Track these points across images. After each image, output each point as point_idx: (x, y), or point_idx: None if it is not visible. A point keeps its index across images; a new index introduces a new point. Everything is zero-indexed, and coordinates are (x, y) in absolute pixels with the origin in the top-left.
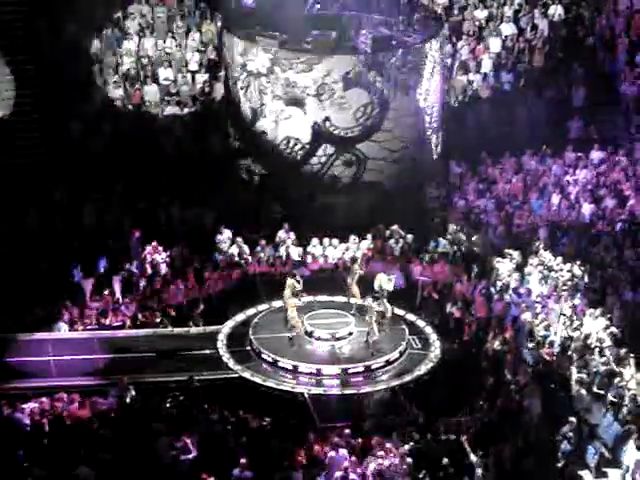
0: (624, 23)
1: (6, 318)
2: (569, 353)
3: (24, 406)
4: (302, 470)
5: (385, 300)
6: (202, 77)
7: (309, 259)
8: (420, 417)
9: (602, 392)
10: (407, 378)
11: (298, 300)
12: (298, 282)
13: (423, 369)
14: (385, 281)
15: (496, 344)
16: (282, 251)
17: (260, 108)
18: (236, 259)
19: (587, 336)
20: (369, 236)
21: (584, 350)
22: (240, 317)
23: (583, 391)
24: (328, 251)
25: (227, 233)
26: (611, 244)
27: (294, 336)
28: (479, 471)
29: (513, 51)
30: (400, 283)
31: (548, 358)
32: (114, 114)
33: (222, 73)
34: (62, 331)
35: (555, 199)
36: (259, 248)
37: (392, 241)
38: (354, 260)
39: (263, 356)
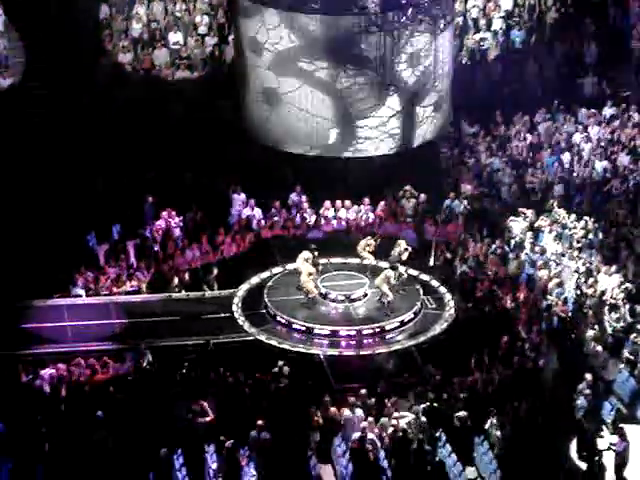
0: None
1: (22, 285)
2: (584, 310)
3: (41, 372)
4: (319, 431)
5: (398, 265)
6: (212, 40)
7: (322, 221)
8: (435, 376)
9: (618, 348)
10: (422, 338)
11: (314, 269)
12: (313, 252)
13: (438, 329)
14: (403, 249)
15: (510, 302)
16: (295, 214)
17: None
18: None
19: (602, 293)
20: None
21: (599, 307)
22: (254, 280)
23: (599, 348)
24: (341, 213)
25: (242, 196)
26: (625, 200)
27: (309, 299)
28: (495, 430)
29: (524, 8)
30: (413, 243)
31: (563, 315)
32: (124, 79)
33: (232, 36)
34: (77, 296)
35: (568, 156)
36: (273, 211)
37: (405, 201)
38: (373, 235)
39: (278, 318)
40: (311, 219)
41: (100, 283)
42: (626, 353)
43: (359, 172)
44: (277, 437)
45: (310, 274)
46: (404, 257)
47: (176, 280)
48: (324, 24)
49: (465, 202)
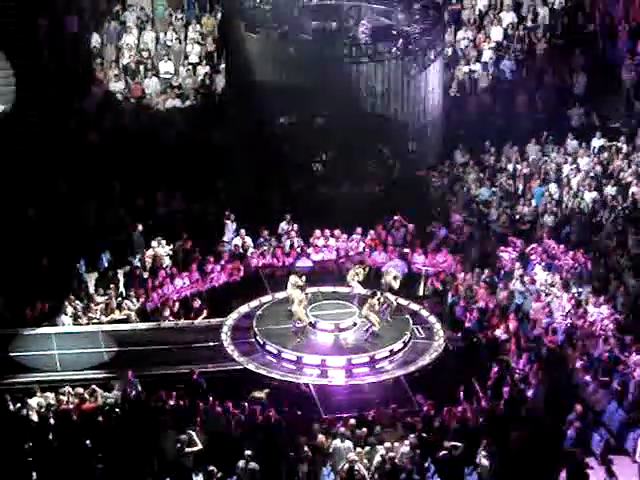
0: (624, 10)
1: (10, 312)
2: (574, 341)
3: (29, 401)
4: (307, 461)
5: (388, 294)
6: (203, 69)
7: (311, 250)
8: (424, 407)
9: (607, 379)
10: (411, 368)
11: (303, 294)
12: (300, 277)
13: (427, 359)
14: (392, 278)
15: (500, 332)
16: (285, 243)
17: None
18: (240, 251)
19: (591, 323)
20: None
21: (588, 337)
22: (244, 309)
23: (588, 378)
24: (330, 242)
25: (234, 224)
26: (614, 231)
27: (299, 328)
28: (484, 460)
29: (514, 39)
30: (403, 271)
31: (552, 345)
32: (115, 108)
33: (223, 65)
34: (65, 325)
35: (557, 187)
36: (262, 240)
37: (394, 231)
38: (361, 263)
39: (267, 347)
40: (300, 248)
41: (89, 311)
42: (615, 384)
43: (349, 201)
44: (265, 467)
45: (301, 301)
46: (395, 285)
47: (166, 310)
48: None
49: (455, 232)
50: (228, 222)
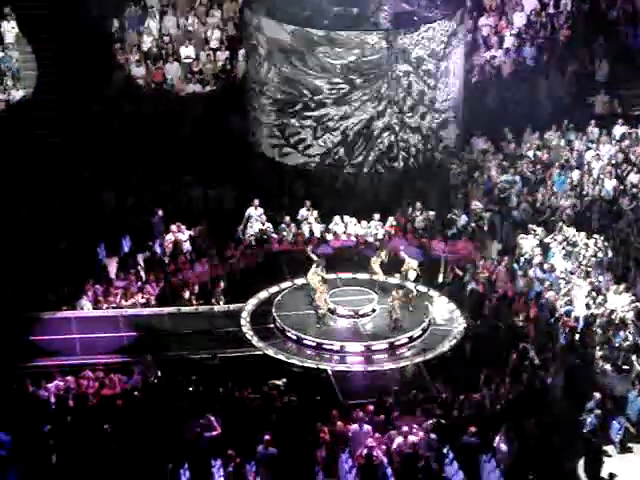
0: None
1: (31, 296)
2: (593, 329)
3: (49, 384)
4: (326, 447)
5: (407, 283)
6: (223, 55)
7: (331, 237)
8: (443, 393)
9: (626, 367)
10: (430, 355)
11: (323, 282)
12: (321, 264)
13: (446, 345)
14: (412, 270)
15: (519, 320)
16: (305, 229)
17: None
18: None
19: (611, 312)
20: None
21: (608, 326)
22: (263, 295)
23: (608, 366)
24: (350, 229)
25: (260, 210)
26: (634, 219)
27: (320, 314)
28: (503, 447)
29: (536, 26)
30: (419, 259)
31: (571, 329)
32: (135, 93)
33: (243, 50)
34: (85, 309)
35: (578, 175)
36: (282, 226)
37: (415, 218)
38: (382, 248)
39: (287, 333)
40: (320, 234)
41: (109, 296)
42: (635, 372)
43: (369, 188)
44: (284, 453)
45: (321, 283)
46: (411, 277)
47: (186, 293)
48: None
49: (474, 218)
50: (252, 209)
